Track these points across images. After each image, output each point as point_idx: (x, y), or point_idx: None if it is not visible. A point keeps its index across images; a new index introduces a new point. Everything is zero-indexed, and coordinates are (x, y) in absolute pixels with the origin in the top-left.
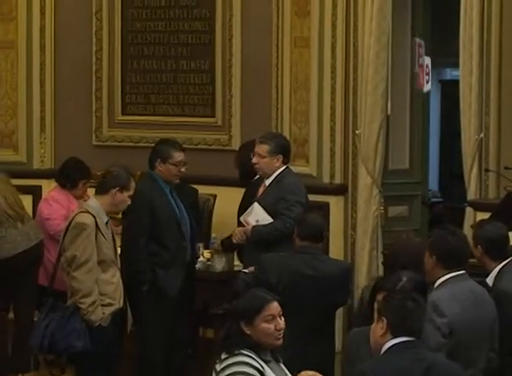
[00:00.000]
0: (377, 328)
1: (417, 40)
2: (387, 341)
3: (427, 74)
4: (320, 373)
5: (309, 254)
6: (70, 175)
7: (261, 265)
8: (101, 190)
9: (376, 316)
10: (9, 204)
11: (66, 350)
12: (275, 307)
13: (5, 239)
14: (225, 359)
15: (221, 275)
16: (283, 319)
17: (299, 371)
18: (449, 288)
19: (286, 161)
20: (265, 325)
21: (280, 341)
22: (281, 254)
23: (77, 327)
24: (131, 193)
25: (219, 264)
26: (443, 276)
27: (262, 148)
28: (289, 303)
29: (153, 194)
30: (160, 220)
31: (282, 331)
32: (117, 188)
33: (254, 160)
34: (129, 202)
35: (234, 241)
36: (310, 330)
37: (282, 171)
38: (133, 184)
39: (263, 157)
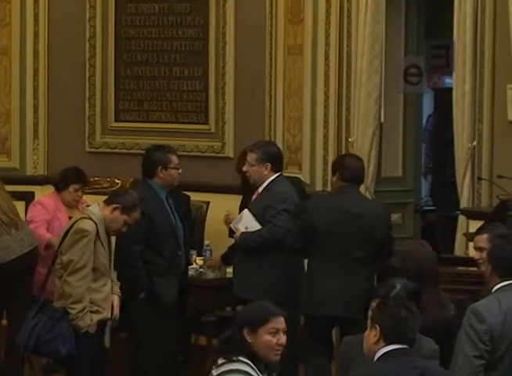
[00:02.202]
0: (370, 335)
1: None
2: (380, 348)
3: (415, 74)
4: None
5: (350, 194)
6: (65, 176)
7: (304, 208)
8: (108, 200)
9: (369, 323)
10: (3, 211)
11: (51, 354)
12: (281, 322)
13: None
14: (223, 364)
15: (214, 282)
16: (285, 336)
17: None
18: (497, 297)
19: (276, 169)
20: (267, 337)
21: (278, 358)
22: (323, 196)
23: (63, 331)
24: (129, 220)
25: (212, 271)
26: (497, 284)
27: (251, 156)
28: (333, 240)
29: (151, 202)
30: (158, 228)
31: (282, 347)
32: (118, 205)
33: (244, 168)
34: (123, 227)
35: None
36: (353, 267)
37: (274, 179)
38: (137, 214)
39: (252, 165)
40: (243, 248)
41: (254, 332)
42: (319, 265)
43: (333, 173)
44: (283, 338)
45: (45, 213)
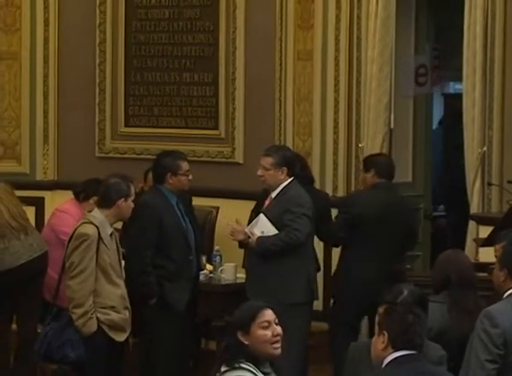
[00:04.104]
0: (378, 341)
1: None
2: (389, 354)
3: (423, 74)
4: None
5: (389, 189)
6: (88, 187)
7: (348, 200)
8: (106, 203)
9: (377, 329)
10: (13, 216)
11: (61, 360)
12: (269, 314)
13: (8, 250)
14: (225, 372)
15: (223, 287)
16: (279, 326)
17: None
18: (509, 301)
19: (291, 174)
20: (261, 332)
21: (278, 351)
22: (364, 192)
23: (71, 337)
24: (133, 197)
25: (229, 274)
26: (510, 289)
27: (267, 160)
28: (379, 231)
29: (161, 207)
30: (168, 233)
31: (279, 337)
32: (120, 200)
33: (259, 172)
34: (133, 205)
35: (232, 238)
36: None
37: (288, 184)
38: (133, 189)
39: (268, 170)
40: (261, 253)
41: (247, 332)
42: (364, 255)
43: (367, 170)
44: (277, 329)
45: (71, 218)
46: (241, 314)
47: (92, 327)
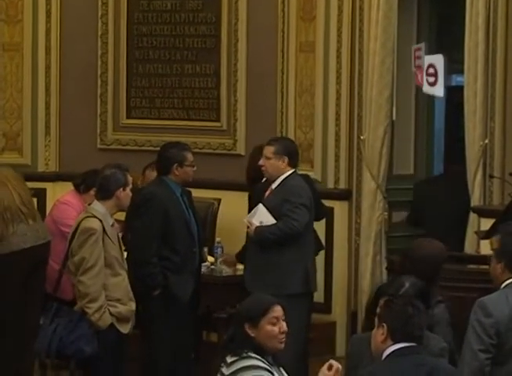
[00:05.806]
0: (378, 334)
1: (415, 46)
2: (388, 346)
3: (433, 74)
4: None
5: (440, 176)
6: (87, 178)
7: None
8: (105, 195)
9: (377, 321)
10: (23, 202)
11: (75, 355)
12: (279, 310)
13: (15, 233)
14: (234, 362)
15: (225, 279)
16: (285, 323)
17: None
18: (504, 291)
19: (292, 164)
20: (269, 327)
21: (282, 345)
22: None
23: (85, 331)
24: (130, 186)
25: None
26: (506, 280)
27: (268, 149)
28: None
29: (166, 199)
30: (173, 224)
31: (284, 334)
32: (119, 189)
33: (261, 162)
34: (131, 194)
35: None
36: None
37: (289, 175)
38: (130, 177)
39: (269, 159)
40: (258, 242)
41: (255, 326)
42: None
43: None
44: (284, 326)
45: (73, 210)
46: (251, 307)
47: (107, 320)
